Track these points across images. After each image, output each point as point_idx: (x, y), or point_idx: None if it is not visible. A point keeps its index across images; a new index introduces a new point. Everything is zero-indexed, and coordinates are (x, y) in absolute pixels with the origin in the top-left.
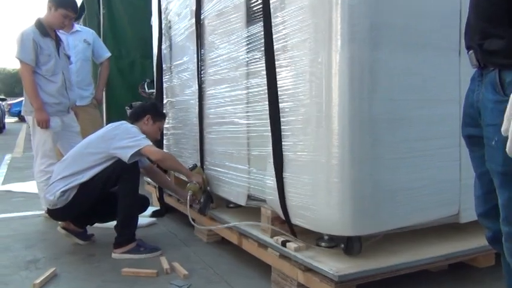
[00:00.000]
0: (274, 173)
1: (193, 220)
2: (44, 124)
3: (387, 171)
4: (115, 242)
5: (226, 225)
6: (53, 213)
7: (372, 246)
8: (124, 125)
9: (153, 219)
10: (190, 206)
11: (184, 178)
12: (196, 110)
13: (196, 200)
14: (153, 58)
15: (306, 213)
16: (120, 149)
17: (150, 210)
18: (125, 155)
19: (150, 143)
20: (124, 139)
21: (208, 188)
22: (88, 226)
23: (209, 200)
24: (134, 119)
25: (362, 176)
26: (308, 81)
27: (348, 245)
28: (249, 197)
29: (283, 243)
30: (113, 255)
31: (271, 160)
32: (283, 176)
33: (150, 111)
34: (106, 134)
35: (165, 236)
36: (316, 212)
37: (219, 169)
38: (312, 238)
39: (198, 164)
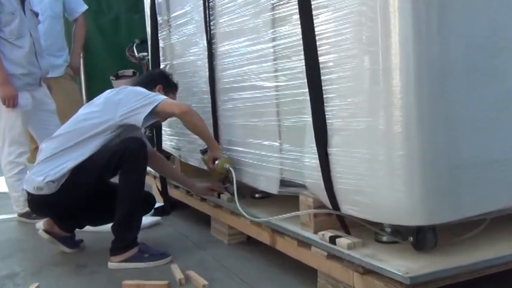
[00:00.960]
0: (315, 148)
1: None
2: (11, 101)
3: (468, 139)
4: (112, 247)
5: (262, 219)
6: (34, 204)
7: (452, 240)
8: (126, 88)
9: (157, 218)
10: (225, 187)
11: (194, 164)
12: (206, 74)
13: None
14: (142, 11)
15: (361, 198)
16: (129, 113)
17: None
18: (139, 118)
19: (165, 97)
20: (132, 100)
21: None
22: (77, 230)
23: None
24: None
25: (435, 146)
26: (357, 25)
27: (419, 238)
28: (282, 183)
29: (332, 240)
30: (110, 264)
31: (311, 132)
32: (328, 151)
33: (161, 80)
34: (107, 102)
35: (173, 239)
36: (375, 197)
37: (239, 148)
38: (369, 232)
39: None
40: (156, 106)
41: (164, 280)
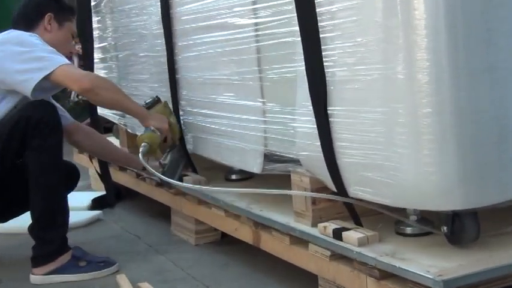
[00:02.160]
0: (311, 108)
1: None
2: None
3: None
4: (33, 255)
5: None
6: None
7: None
8: (13, 33)
9: (96, 212)
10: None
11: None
12: (159, 10)
13: (157, 159)
14: None
15: (376, 176)
16: (11, 79)
17: (89, 196)
18: (26, 88)
19: (65, 60)
20: (18, 60)
21: (178, 141)
22: None
23: (181, 160)
24: (25, 24)
25: (476, 102)
26: None
27: (456, 228)
28: (267, 158)
29: (337, 234)
30: (32, 278)
31: (305, 86)
32: (328, 112)
33: (49, 6)
34: None
35: (120, 240)
36: (395, 173)
37: (205, 111)
38: (388, 221)
39: (164, 99)
40: (51, 74)
41: None
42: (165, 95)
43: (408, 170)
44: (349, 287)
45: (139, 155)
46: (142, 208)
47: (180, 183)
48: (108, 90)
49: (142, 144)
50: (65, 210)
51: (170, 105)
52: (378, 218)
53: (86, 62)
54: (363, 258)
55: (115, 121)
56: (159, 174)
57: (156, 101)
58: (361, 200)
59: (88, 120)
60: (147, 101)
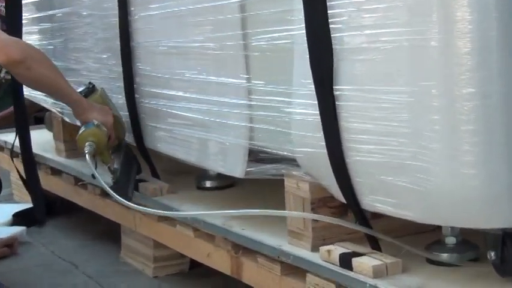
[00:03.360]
0: (311, 87)
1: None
2: None
3: None
4: None
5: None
6: None
7: None
8: None
9: (19, 229)
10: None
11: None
12: None
13: (106, 163)
14: None
15: (399, 180)
16: None
17: (9, 210)
18: None
19: None
20: None
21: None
22: None
23: (133, 163)
24: None
25: None
26: None
27: (507, 253)
28: (252, 156)
29: (345, 260)
30: None
31: (303, 56)
32: (335, 93)
33: None
34: None
35: (51, 269)
36: (425, 179)
37: (171, 92)
38: (416, 245)
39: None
40: None
41: None
42: (115, 70)
43: (442, 172)
44: None
45: (87, 157)
46: (82, 226)
47: (143, 208)
48: (42, 64)
49: (87, 144)
50: None
51: (120, 84)
52: (404, 240)
53: (11, 25)
54: None
55: (47, 106)
56: (112, 192)
57: (91, 89)
58: (378, 212)
59: (11, 108)
60: (78, 90)
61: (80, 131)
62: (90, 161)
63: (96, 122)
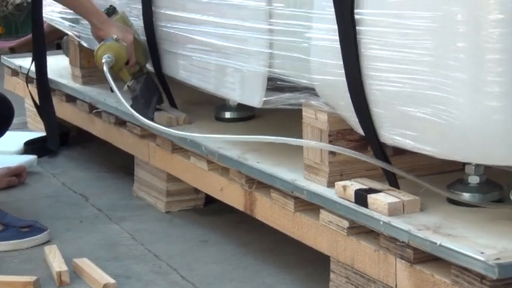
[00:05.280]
0: (332, 11)
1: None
2: None
3: None
4: None
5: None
6: None
7: None
8: None
9: (31, 157)
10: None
11: None
12: None
13: (124, 80)
14: None
15: (420, 112)
16: None
17: (22, 138)
18: None
19: None
20: None
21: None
22: None
23: (155, 91)
24: None
25: None
26: None
27: None
28: (270, 84)
29: (360, 196)
30: None
31: None
32: (356, 18)
33: None
34: None
35: (60, 200)
36: (448, 111)
37: (190, 15)
38: (436, 181)
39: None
40: None
41: (30, 277)
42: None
43: (465, 104)
44: (371, 273)
45: (104, 68)
46: (95, 158)
47: (154, 124)
48: None
49: (105, 56)
50: None
51: (139, 6)
52: (426, 179)
53: None
54: (392, 232)
55: (64, 29)
56: (130, 108)
57: (112, 11)
58: (398, 147)
59: (30, 35)
60: (103, 10)
61: (98, 46)
62: (109, 73)
63: (115, 36)
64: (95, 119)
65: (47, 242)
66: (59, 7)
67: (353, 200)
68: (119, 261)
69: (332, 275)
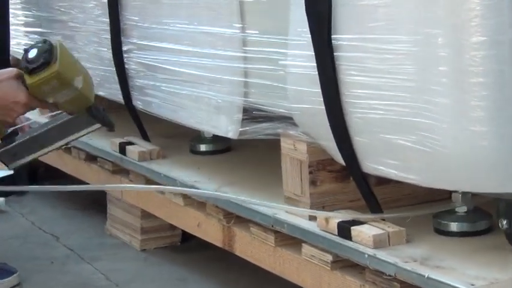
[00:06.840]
0: (308, 36)
1: None
2: None
3: None
4: None
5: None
6: None
7: None
8: None
9: None
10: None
11: None
12: None
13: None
14: None
15: (403, 140)
16: None
17: None
18: None
19: None
20: None
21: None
22: None
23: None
24: None
25: None
26: None
27: None
28: (247, 114)
29: (344, 229)
30: None
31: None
32: (334, 43)
33: None
34: None
35: (29, 241)
36: (432, 138)
37: (160, 44)
38: (422, 211)
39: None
40: None
41: None
42: (101, 20)
43: (449, 130)
44: None
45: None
46: (65, 194)
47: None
48: None
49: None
50: None
51: (107, 36)
52: (410, 208)
53: None
54: (377, 265)
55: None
56: None
57: (48, 47)
58: (381, 177)
59: None
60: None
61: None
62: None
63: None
64: (64, 155)
65: (17, 285)
66: None
67: (336, 233)
68: None
69: None
